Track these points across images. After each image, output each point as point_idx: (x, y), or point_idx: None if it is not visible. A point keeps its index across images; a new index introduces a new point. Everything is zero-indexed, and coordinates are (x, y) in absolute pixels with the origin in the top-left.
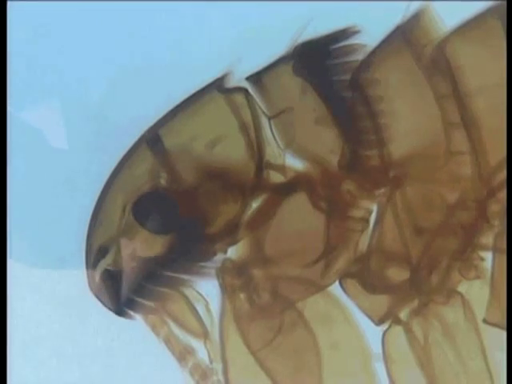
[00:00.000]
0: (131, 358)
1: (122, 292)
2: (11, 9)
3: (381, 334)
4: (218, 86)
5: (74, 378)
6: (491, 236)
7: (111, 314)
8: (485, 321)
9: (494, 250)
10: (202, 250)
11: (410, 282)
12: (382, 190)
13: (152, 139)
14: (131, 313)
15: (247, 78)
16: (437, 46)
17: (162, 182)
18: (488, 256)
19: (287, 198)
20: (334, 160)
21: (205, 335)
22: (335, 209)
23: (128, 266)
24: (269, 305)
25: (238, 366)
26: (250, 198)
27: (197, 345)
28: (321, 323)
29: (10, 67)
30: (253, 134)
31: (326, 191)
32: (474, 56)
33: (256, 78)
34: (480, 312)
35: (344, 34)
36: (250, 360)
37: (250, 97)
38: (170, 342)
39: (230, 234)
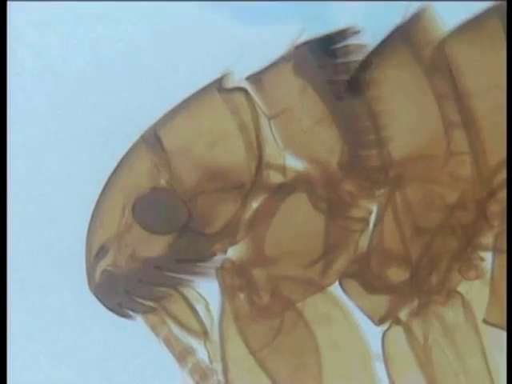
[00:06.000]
0: (131, 358)
1: (121, 292)
2: (11, 8)
3: (381, 334)
4: (217, 86)
5: (73, 377)
6: (491, 236)
7: (111, 314)
8: (485, 321)
9: (494, 250)
10: (202, 250)
11: (409, 282)
12: (382, 190)
13: (152, 139)
14: (131, 313)
15: (247, 78)
16: (437, 46)
17: (162, 182)
18: (488, 256)
19: (287, 199)
20: (333, 160)
21: (205, 335)
22: (335, 209)
23: (128, 266)
24: (269, 305)
25: (238, 367)
26: (250, 198)
27: (197, 345)
28: (321, 323)
29: (10, 67)
30: (252, 134)
31: (326, 191)
32: (474, 56)
33: (256, 78)
34: (480, 312)
35: (344, 34)
36: (249, 360)
37: (250, 97)
38: (169, 342)
39: (230, 234)
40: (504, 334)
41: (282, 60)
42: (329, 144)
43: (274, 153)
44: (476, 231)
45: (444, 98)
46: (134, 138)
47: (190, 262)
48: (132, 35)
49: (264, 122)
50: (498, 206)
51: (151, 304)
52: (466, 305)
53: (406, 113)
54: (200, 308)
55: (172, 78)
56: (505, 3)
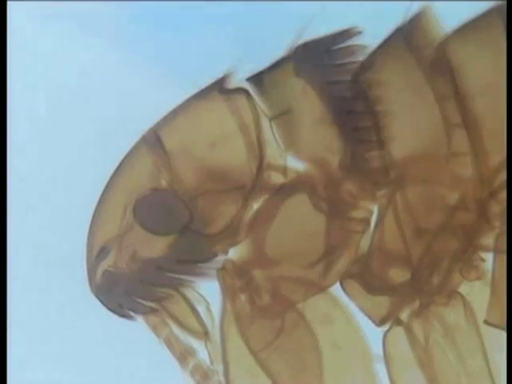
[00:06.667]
0: (131, 359)
1: (122, 293)
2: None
3: (382, 334)
4: (218, 86)
5: (73, 378)
6: (492, 237)
7: (112, 315)
8: (485, 322)
9: (495, 250)
10: (203, 251)
11: (410, 283)
12: (383, 191)
13: (153, 140)
14: (132, 314)
15: (248, 79)
16: (437, 47)
17: (163, 183)
18: (489, 257)
19: (288, 199)
20: (334, 161)
21: (205, 336)
22: (336, 210)
23: (129, 267)
24: (269, 306)
25: (239, 367)
26: (251, 199)
27: (198, 346)
28: (321, 324)
29: (10, 67)
30: (253, 135)
31: (327, 192)
32: (474, 56)
33: (257, 79)
34: (481, 313)
35: (345, 34)
36: (250, 361)
37: (251, 98)
38: (170, 342)
39: (231, 234)
40: (504, 335)
41: (283, 61)
42: (330, 145)
43: (275, 153)
44: (477, 232)
45: (445, 98)
46: (135, 139)
47: (191, 262)
48: (133, 34)
49: (265, 122)
50: (499, 206)
51: (152, 305)
52: (466, 305)
53: (406, 113)
54: (201, 309)
55: (173, 77)
56: (505, 3)
